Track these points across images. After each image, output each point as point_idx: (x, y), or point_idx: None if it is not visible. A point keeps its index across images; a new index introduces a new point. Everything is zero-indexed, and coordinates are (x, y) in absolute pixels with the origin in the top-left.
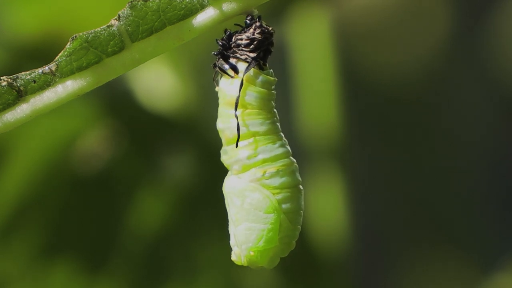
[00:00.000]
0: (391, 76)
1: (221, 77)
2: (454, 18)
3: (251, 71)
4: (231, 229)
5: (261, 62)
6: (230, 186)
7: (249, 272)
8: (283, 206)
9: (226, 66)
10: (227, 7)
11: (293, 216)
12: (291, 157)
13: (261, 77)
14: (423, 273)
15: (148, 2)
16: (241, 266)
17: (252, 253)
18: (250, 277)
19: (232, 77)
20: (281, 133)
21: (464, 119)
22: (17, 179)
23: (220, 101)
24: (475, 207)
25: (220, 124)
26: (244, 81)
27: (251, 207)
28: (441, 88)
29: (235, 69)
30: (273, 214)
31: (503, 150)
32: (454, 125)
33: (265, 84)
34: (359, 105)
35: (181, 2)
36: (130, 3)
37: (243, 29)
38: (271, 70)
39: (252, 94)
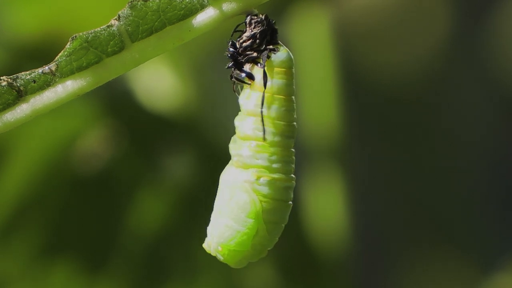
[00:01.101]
0: (391, 76)
1: (240, 86)
2: (454, 18)
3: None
4: (213, 215)
5: (272, 46)
6: (226, 177)
7: (249, 272)
8: (266, 215)
9: (242, 75)
10: (227, 7)
11: (272, 228)
12: (291, 175)
13: (275, 80)
14: (423, 273)
15: (148, 2)
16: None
17: (220, 249)
18: (250, 277)
19: (249, 84)
20: (293, 149)
21: (464, 119)
22: (17, 179)
23: (240, 107)
24: (475, 207)
25: (237, 121)
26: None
27: (236, 206)
28: (441, 88)
29: (251, 76)
30: (253, 220)
31: (503, 150)
32: (454, 125)
33: (284, 63)
34: (359, 105)
35: (181, 2)
36: (130, 3)
37: (242, 32)
38: (286, 48)
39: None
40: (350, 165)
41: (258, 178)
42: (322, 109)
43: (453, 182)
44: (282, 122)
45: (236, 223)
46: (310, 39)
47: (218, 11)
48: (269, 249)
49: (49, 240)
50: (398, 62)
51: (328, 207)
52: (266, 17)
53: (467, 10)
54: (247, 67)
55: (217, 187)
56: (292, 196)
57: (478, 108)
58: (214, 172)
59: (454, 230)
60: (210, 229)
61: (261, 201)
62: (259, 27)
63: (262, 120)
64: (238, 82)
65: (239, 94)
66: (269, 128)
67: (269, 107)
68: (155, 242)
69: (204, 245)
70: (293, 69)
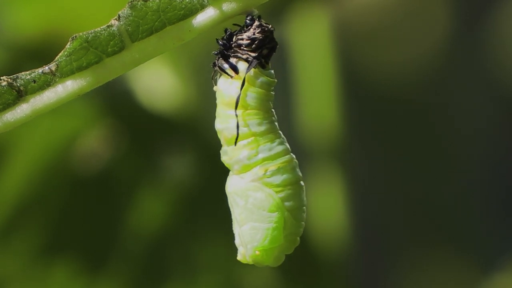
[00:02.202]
0: (391, 76)
1: (220, 76)
2: (454, 18)
3: (252, 71)
4: (236, 229)
5: (263, 61)
6: (233, 186)
7: (249, 272)
8: (286, 203)
9: (226, 66)
10: (227, 7)
11: (296, 213)
12: (291, 154)
13: (261, 78)
14: (423, 273)
15: (148, 2)
16: (242, 267)
17: (258, 253)
18: (250, 277)
19: (231, 76)
20: (280, 132)
21: (464, 119)
22: (17, 179)
23: (218, 101)
24: (475, 207)
25: (218, 125)
26: (245, 81)
27: (255, 207)
28: (441, 88)
29: (235, 69)
30: (277, 212)
31: (503, 150)
32: (454, 125)
33: (264, 85)
34: (359, 105)
35: (181, 2)
36: (130, 3)
37: (243, 29)
38: (272, 70)
39: (251, 94)
40: (350, 165)
41: (265, 171)
42: (322, 109)
43: (453, 182)
44: (260, 111)
45: (262, 222)
46: (310, 39)
47: (218, 11)
48: (300, 236)
49: (49, 240)
50: (398, 62)
51: (328, 207)
52: (272, 31)
53: (467, 10)
54: (232, 60)
55: (218, 187)
56: (301, 174)
57: (478, 108)
58: (214, 172)
59: (454, 230)
60: (238, 241)
61: (276, 192)
62: (263, 34)
63: (237, 126)
64: (220, 71)
65: (215, 84)
66: (253, 120)
67: (247, 96)
68: (155, 242)
69: (239, 258)
70: (273, 92)
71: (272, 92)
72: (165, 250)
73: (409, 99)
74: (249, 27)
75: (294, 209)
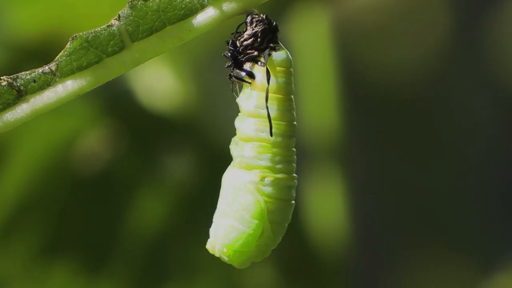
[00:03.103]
0: (391, 75)
1: (238, 87)
2: (454, 17)
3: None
4: (215, 216)
5: (273, 45)
6: (229, 178)
7: (248, 272)
8: (271, 215)
9: (242, 74)
10: (227, 7)
11: (277, 228)
12: (293, 175)
13: (276, 55)
14: (423, 273)
15: (148, 2)
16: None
17: (225, 250)
18: (250, 277)
19: (249, 83)
20: (294, 149)
21: (464, 119)
22: (17, 179)
23: (240, 108)
24: (475, 207)
25: (237, 123)
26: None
27: (240, 207)
28: (441, 88)
29: (251, 75)
30: (258, 221)
31: (503, 150)
32: (454, 125)
33: (283, 62)
34: (359, 105)
35: (181, 2)
36: (130, 3)
37: (241, 33)
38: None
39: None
40: (350, 165)
41: (262, 179)
42: (322, 109)
43: (453, 182)
44: (283, 122)
45: (241, 224)
46: (310, 39)
47: (218, 11)
48: (272, 248)
49: (49, 240)
50: (398, 61)
51: (328, 207)
52: (267, 16)
53: (467, 9)
54: (247, 66)
55: (218, 187)
56: (294, 195)
57: (478, 108)
58: (214, 172)
59: (454, 230)
60: (213, 230)
61: (265, 202)
62: (260, 25)
63: (269, 117)
64: (238, 81)
65: (237, 95)
66: (274, 127)
67: (269, 107)
68: (155, 242)
69: (208, 246)
70: (292, 69)
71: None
72: (165, 250)
73: (409, 99)
74: (247, 26)
75: (276, 223)
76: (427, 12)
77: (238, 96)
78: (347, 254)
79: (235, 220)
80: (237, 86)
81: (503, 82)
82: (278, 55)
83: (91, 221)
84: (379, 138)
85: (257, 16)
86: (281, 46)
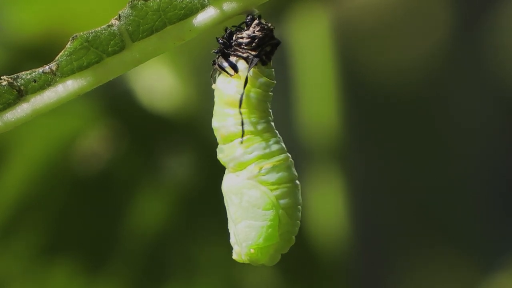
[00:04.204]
0: (391, 75)
1: (219, 75)
2: (454, 17)
3: (251, 71)
4: (231, 227)
5: (264, 57)
6: (228, 184)
7: (249, 272)
8: (281, 201)
9: (226, 64)
10: (227, 6)
11: (291, 211)
12: (286, 153)
13: (260, 79)
14: (423, 273)
15: (149, 1)
16: (242, 267)
17: (252, 251)
18: (250, 277)
19: (231, 75)
20: (276, 131)
21: (464, 119)
22: (17, 179)
23: (216, 99)
24: (475, 207)
25: (215, 123)
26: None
27: (249, 205)
28: (441, 88)
29: (234, 67)
30: (272, 210)
31: (503, 150)
32: (454, 125)
33: (263, 86)
34: (359, 104)
35: (182, 1)
36: (130, 3)
37: (244, 28)
38: (273, 69)
39: (250, 94)
40: (350, 165)
41: (260, 169)
42: (322, 109)
43: (453, 182)
44: (258, 110)
45: (257, 220)
46: (310, 39)
47: (218, 10)
48: (295, 235)
49: (49, 240)
50: (398, 61)
51: (328, 207)
52: (273, 29)
53: (467, 9)
54: (232, 59)
55: (218, 187)
56: (296, 173)
57: (478, 108)
58: (214, 172)
59: (454, 230)
60: (233, 240)
61: (271, 190)
62: (262, 32)
63: (242, 125)
64: (220, 69)
65: (214, 82)
66: (250, 119)
67: (246, 97)
68: (155, 242)
69: (234, 257)
70: (271, 93)
71: (270, 93)
72: (165, 250)
73: (408, 99)
74: (249, 26)
75: (289, 207)
76: (428, 12)
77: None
78: (347, 254)
79: (249, 219)
80: (217, 74)
81: (503, 82)
82: (263, 75)
83: (91, 221)
84: (379, 138)
85: (265, 23)
86: (270, 68)
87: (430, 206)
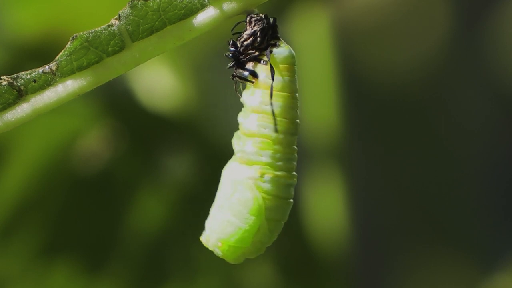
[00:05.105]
0: (391, 75)
1: (242, 86)
2: (454, 17)
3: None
4: (212, 209)
5: (275, 41)
6: (229, 172)
7: (248, 272)
8: (268, 213)
9: (245, 73)
10: (227, 6)
11: (273, 225)
12: (293, 173)
13: (278, 51)
14: (423, 273)
15: (149, 1)
16: (242, 267)
17: (220, 244)
18: (250, 277)
19: (253, 82)
20: (295, 147)
21: (464, 119)
22: (17, 179)
23: (244, 108)
24: (475, 207)
25: (240, 118)
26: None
27: (238, 203)
28: (441, 88)
29: (254, 74)
30: (255, 217)
31: (503, 150)
32: (454, 124)
33: (286, 59)
34: (359, 104)
35: (182, 1)
36: (130, 3)
37: (241, 33)
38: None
39: (277, 103)
40: (350, 165)
41: (262, 175)
42: (322, 109)
43: (453, 182)
44: (285, 119)
45: (238, 219)
46: (310, 39)
47: (218, 10)
48: (267, 246)
49: (49, 240)
50: (398, 61)
51: (328, 207)
52: (266, 16)
53: (467, 9)
54: (249, 65)
55: (217, 187)
56: (293, 193)
57: (479, 108)
58: (214, 171)
59: (454, 231)
60: (209, 223)
61: (264, 198)
62: (259, 25)
63: (273, 114)
64: (241, 81)
65: (241, 95)
66: (274, 125)
67: (273, 104)
68: (155, 242)
69: (202, 239)
70: (295, 66)
71: (295, 94)
72: (165, 250)
73: (409, 99)
74: (245, 28)
75: (273, 220)
76: (428, 12)
77: (241, 96)
78: (347, 254)
79: (232, 215)
80: (240, 86)
81: (503, 82)
82: (280, 52)
83: (91, 221)
84: (379, 138)
85: (255, 15)
86: (283, 43)
87: (430, 206)
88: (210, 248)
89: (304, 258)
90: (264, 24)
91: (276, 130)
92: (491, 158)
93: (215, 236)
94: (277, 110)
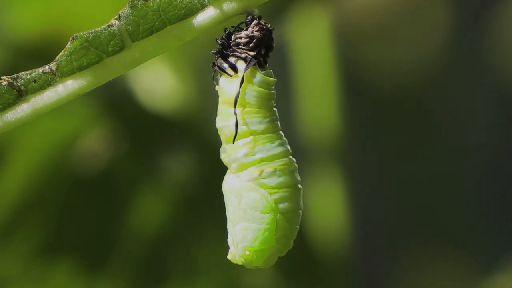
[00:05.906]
0: (391, 76)
1: (220, 76)
2: (454, 18)
3: (250, 70)
4: (229, 227)
5: (261, 59)
6: (228, 185)
7: (249, 272)
8: (280, 206)
9: (225, 65)
10: (227, 6)
11: (290, 216)
12: (290, 157)
13: (259, 77)
14: (423, 273)
15: (149, 1)
16: (241, 267)
17: (247, 253)
18: (250, 277)
19: (231, 76)
20: (281, 132)
21: (464, 119)
22: (17, 179)
23: (220, 99)
24: (475, 207)
25: (219, 122)
26: (243, 80)
27: (248, 207)
28: (441, 88)
29: (234, 68)
30: (270, 214)
31: (503, 150)
32: (454, 125)
33: (264, 84)
34: (359, 104)
35: (182, 1)
36: (130, 3)
37: (243, 28)
38: (271, 70)
39: (251, 93)
40: (350, 165)
41: (260, 172)
42: (322, 109)
43: (453, 182)
44: (262, 109)
45: (254, 222)
46: (310, 39)
47: (218, 10)
48: (293, 239)
49: (49, 240)
50: (398, 62)
51: (328, 207)
52: (272, 30)
53: (467, 10)
54: (231, 59)
55: (218, 187)
56: (299, 178)
57: (479, 108)
58: (214, 171)
59: (454, 230)
60: (230, 240)
61: (270, 194)
62: (261, 32)
63: (236, 124)
64: (220, 71)
65: (217, 83)
66: (253, 118)
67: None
68: (155, 242)
69: (229, 257)
70: (273, 91)
71: (273, 91)
72: (165, 250)
73: (409, 99)
74: (248, 26)
75: (288, 212)
76: (428, 13)
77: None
78: (347, 254)
79: (247, 221)
80: (218, 75)
81: (504, 82)
82: (260, 78)
83: (92, 221)
84: (379, 138)
85: (264, 23)
86: (267, 70)
87: (430, 206)
88: (240, 263)
89: (304, 258)
90: (265, 36)
91: (251, 125)
92: (492, 158)
93: (240, 247)
94: (251, 100)
